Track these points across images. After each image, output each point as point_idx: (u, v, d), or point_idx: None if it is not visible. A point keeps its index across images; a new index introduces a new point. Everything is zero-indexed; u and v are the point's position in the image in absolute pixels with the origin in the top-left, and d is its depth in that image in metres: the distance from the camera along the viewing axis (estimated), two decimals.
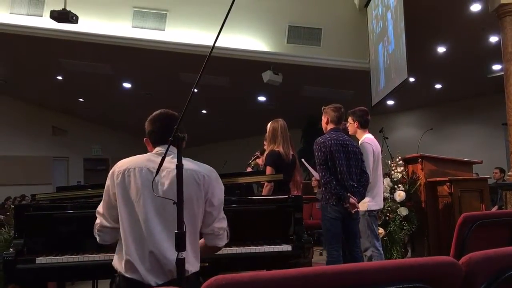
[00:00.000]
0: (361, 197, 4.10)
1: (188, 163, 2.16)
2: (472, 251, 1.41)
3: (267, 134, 4.46)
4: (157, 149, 2.26)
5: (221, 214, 2.25)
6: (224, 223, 2.27)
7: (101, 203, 2.24)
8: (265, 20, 10.59)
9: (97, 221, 2.23)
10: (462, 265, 1.32)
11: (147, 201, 2.10)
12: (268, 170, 4.25)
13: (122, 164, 2.21)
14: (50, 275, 2.89)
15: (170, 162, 2.12)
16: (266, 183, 4.23)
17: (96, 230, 2.24)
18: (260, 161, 5.26)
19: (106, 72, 11.98)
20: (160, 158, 2.10)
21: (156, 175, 1.98)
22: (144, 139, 2.34)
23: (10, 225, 4.05)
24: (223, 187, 2.28)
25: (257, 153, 5.44)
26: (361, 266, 1.27)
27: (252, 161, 5.89)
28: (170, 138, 1.90)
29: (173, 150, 2.18)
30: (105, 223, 2.20)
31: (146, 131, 2.31)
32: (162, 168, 2.07)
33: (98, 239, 2.25)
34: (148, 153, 2.27)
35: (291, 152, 4.36)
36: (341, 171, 3.97)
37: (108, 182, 2.21)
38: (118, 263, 2.14)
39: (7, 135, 15.32)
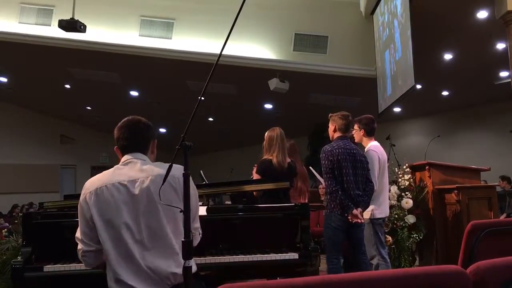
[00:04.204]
0: (365, 206, 4.08)
1: (159, 169, 2.14)
2: (480, 259, 1.40)
3: (264, 143, 4.45)
4: (125, 157, 2.23)
5: (197, 214, 2.26)
6: (197, 223, 2.27)
7: (78, 229, 2.19)
8: (271, 28, 10.63)
9: (79, 246, 2.20)
10: (470, 274, 1.31)
11: (126, 215, 2.08)
12: (256, 178, 4.27)
13: (91, 184, 2.17)
14: (58, 283, 2.90)
15: (141, 171, 2.14)
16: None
17: (80, 256, 2.21)
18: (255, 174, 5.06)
19: (114, 80, 12.07)
20: (127, 168, 2.16)
21: (163, 183, 1.97)
22: (115, 148, 2.29)
23: (18, 233, 4.06)
24: (195, 187, 2.26)
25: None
26: (368, 275, 1.26)
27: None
28: (177, 147, 1.89)
29: (143, 157, 2.23)
30: (86, 248, 2.16)
31: (114, 138, 2.27)
32: (135, 178, 2.11)
33: (84, 264, 2.23)
34: (114, 166, 2.23)
35: (287, 161, 4.33)
36: (347, 180, 3.95)
37: (81, 206, 2.16)
38: (111, 283, 2.12)
39: (15, 143, 15.45)
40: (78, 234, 2.20)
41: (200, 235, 2.31)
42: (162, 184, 1.97)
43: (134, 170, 2.16)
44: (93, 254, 2.17)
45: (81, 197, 2.17)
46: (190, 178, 2.13)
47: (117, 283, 2.08)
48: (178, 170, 2.05)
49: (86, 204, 2.13)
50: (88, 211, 2.12)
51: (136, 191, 2.10)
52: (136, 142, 2.24)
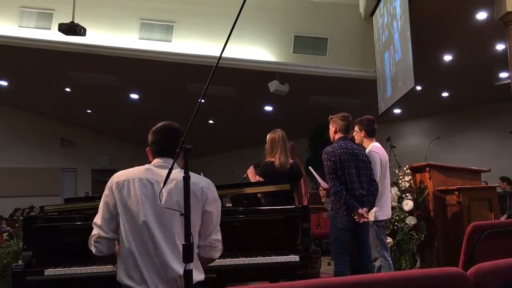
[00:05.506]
0: (371, 206, 4.06)
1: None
2: (481, 261, 1.40)
3: (266, 145, 4.46)
4: (156, 160, 2.31)
5: (217, 226, 2.30)
6: (219, 235, 2.31)
7: (98, 215, 2.25)
8: (271, 30, 10.64)
9: (94, 232, 2.24)
10: (470, 276, 1.31)
11: (148, 211, 2.15)
12: (259, 180, 4.30)
13: (121, 175, 2.26)
14: (58, 287, 2.90)
15: (175, 174, 2.16)
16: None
17: (92, 242, 2.25)
18: (250, 173, 4.92)
19: (114, 83, 12.08)
20: (158, 169, 2.24)
21: (163, 186, 2.00)
22: (147, 149, 2.38)
23: (19, 236, 4.06)
24: (219, 201, 2.33)
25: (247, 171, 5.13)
26: (370, 277, 1.26)
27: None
28: (177, 150, 1.91)
29: (171, 162, 2.25)
30: (103, 234, 2.21)
31: (148, 141, 2.37)
32: (162, 179, 2.12)
33: (94, 250, 2.26)
34: (146, 165, 2.32)
35: (290, 161, 4.33)
36: (351, 180, 3.94)
37: (106, 193, 2.24)
38: (122, 275, 2.16)
39: (15, 147, 15.46)
40: (97, 220, 2.24)
41: (221, 250, 2.35)
42: (163, 186, 2.01)
43: (163, 173, 2.19)
44: (107, 241, 2.22)
45: (108, 185, 2.25)
46: (215, 189, 2.27)
47: (128, 277, 2.12)
48: (203, 180, 2.26)
49: (112, 192, 2.21)
50: (113, 199, 2.20)
51: (163, 191, 2.15)
52: (169, 148, 2.30)
